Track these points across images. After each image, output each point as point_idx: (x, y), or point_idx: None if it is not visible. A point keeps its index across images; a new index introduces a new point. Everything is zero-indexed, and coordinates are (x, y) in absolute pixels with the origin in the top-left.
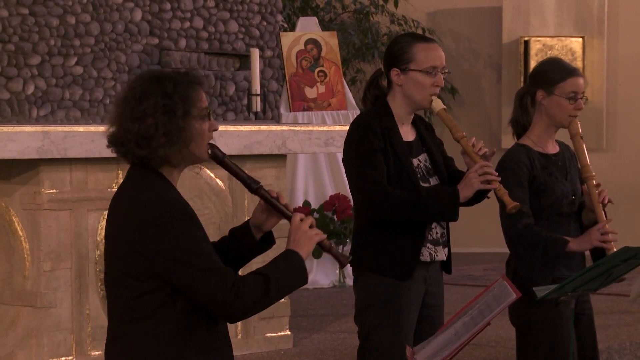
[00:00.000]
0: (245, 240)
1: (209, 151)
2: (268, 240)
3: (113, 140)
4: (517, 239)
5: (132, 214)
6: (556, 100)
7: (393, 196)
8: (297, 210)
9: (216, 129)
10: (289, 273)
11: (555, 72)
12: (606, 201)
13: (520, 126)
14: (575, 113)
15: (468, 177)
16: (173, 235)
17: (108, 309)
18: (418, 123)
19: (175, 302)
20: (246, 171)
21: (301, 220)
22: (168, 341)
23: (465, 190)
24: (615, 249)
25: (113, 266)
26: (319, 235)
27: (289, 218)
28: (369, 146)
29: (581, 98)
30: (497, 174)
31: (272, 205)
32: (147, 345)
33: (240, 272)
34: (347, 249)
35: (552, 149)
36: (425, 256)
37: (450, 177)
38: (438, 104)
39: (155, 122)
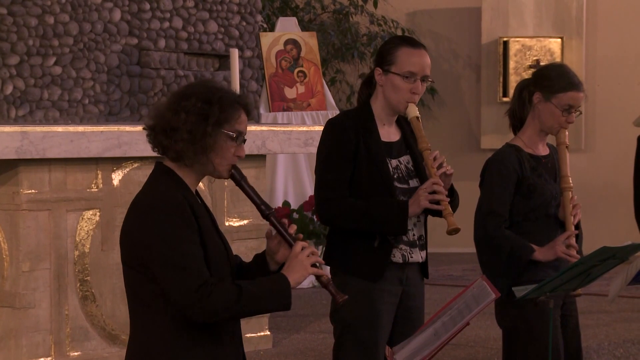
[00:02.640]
0: (261, 267)
1: (230, 171)
2: None
3: (148, 125)
4: (485, 241)
5: (134, 205)
6: (550, 108)
7: (343, 207)
8: (277, 210)
9: (242, 156)
10: (268, 293)
11: (559, 80)
12: (577, 218)
13: (517, 118)
14: (565, 125)
15: (417, 194)
16: (159, 229)
17: (126, 296)
18: (404, 124)
19: None
20: None
21: (302, 249)
22: (166, 331)
23: (413, 207)
24: None
25: (121, 254)
26: (315, 269)
27: (291, 246)
28: (336, 149)
29: (575, 112)
30: (445, 192)
31: (279, 232)
32: (148, 333)
33: None
34: None
35: (543, 150)
36: (397, 257)
37: None
38: (412, 111)
39: (187, 118)
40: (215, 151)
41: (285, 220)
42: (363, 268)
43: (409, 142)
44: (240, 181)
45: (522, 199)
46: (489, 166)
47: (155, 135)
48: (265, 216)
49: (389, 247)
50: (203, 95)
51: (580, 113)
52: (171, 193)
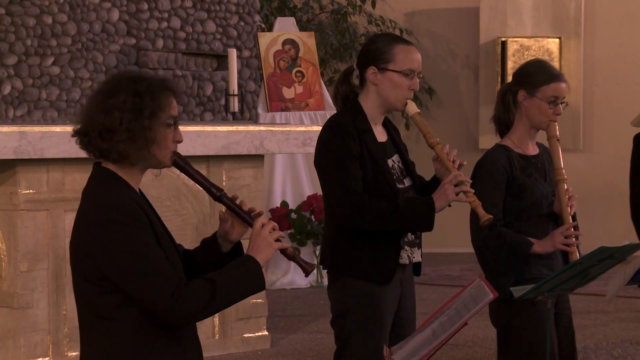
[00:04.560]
0: (213, 251)
1: (172, 159)
2: (238, 252)
3: (78, 131)
4: (483, 241)
5: (83, 216)
6: (537, 102)
7: (371, 208)
8: (274, 211)
9: (180, 141)
10: (241, 279)
11: (539, 74)
12: (573, 210)
13: (502, 123)
14: (554, 117)
15: (443, 188)
16: (114, 239)
17: (77, 308)
18: (387, 124)
19: (134, 303)
20: (224, 172)
21: (262, 226)
22: (130, 342)
23: (440, 201)
24: (578, 254)
25: (72, 267)
26: (280, 242)
27: (250, 224)
28: (346, 151)
29: (561, 103)
30: (470, 184)
31: (235, 212)
32: (109, 345)
33: None
34: None
35: (533, 150)
36: (404, 259)
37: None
38: (413, 108)
39: (121, 117)
40: (156, 143)
41: (237, 199)
42: (372, 271)
43: (395, 141)
44: (185, 167)
45: (513, 199)
46: (479, 167)
47: (89, 140)
48: (217, 198)
49: (398, 248)
50: (131, 89)
51: (567, 104)
52: (120, 199)
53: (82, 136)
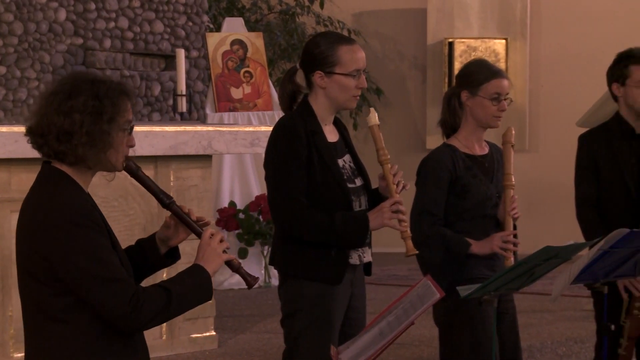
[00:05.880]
0: (150, 253)
1: (124, 163)
2: (174, 255)
3: (32, 131)
4: (422, 240)
5: (37, 217)
6: (480, 101)
7: (309, 220)
8: (222, 211)
9: (133, 145)
10: (193, 289)
11: (479, 73)
12: (516, 216)
13: (449, 127)
14: (498, 114)
15: (381, 211)
16: (74, 241)
17: (22, 309)
18: (338, 123)
19: (86, 306)
20: (172, 172)
21: (211, 236)
22: (83, 347)
23: (374, 222)
24: (513, 260)
25: (21, 267)
26: (226, 253)
27: (199, 234)
28: (292, 156)
29: (505, 99)
30: (404, 212)
31: (184, 221)
32: (61, 350)
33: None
34: None
35: (480, 150)
36: (354, 259)
37: None
38: (374, 119)
39: (82, 120)
40: (113, 147)
41: (186, 208)
42: (322, 272)
43: (347, 140)
44: (136, 172)
45: (455, 199)
46: (423, 166)
47: (46, 141)
48: (165, 205)
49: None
50: (90, 91)
51: (511, 101)
52: (77, 201)
53: (37, 137)
